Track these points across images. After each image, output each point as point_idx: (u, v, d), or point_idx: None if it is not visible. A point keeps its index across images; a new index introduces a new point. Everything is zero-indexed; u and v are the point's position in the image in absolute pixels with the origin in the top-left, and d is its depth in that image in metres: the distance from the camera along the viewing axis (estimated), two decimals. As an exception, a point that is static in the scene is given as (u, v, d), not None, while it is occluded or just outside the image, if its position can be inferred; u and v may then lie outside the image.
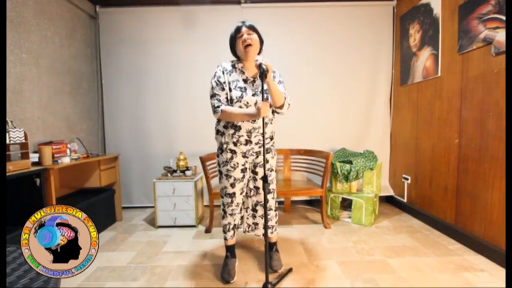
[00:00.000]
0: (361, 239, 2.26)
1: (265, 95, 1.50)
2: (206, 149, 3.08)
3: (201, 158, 2.47)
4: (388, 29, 3.12)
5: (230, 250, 1.83)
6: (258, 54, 1.62)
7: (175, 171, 2.71)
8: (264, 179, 1.46)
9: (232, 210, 1.74)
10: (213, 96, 1.59)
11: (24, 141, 1.87)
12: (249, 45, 1.53)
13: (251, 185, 1.77)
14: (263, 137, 1.45)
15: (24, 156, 1.87)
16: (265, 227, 1.50)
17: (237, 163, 1.66)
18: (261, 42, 1.61)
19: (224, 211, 1.76)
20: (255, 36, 1.56)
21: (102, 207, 2.59)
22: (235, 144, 1.63)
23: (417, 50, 2.67)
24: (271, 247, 1.89)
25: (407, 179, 2.88)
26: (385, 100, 3.19)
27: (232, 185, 1.68)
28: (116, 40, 3.12)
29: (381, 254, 1.99)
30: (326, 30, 3.10)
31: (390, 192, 3.20)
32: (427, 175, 2.57)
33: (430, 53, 2.47)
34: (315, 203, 3.26)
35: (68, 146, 2.37)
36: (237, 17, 3.05)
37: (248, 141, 1.62)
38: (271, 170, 1.74)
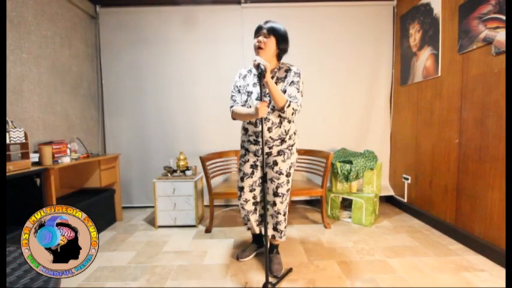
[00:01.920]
0: (361, 239, 2.26)
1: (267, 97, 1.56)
2: (206, 148, 3.09)
3: (201, 157, 2.47)
4: (388, 28, 3.12)
5: (253, 236, 1.97)
6: (279, 60, 1.69)
7: (175, 171, 2.71)
8: (263, 178, 1.47)
9: (241, 204, 1.83)
10: (231, 97, 1.75)
11: (24, 141, 1.87)
12: (260, 48, 1.55)
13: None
14: (262, 138, 1.45)
15: (25, 156, 1.87)
16: (265, 226, 1.50)
17: (248, 159, 1.77)
18: (281, 47, 1.63)
19: (239, 203, 1.86)
20: (271, 39, 1.58)
21: (102, 207, 2.59)
22: (248, 142, 1.74)
23: (417, 49, 2.67)
24: (272, 249, 1.89)
25: (407, 179, 2.88)
26: (385, 100, 3.19)
27: (242, 179, 1.79)
28: (116, 40, 3.12)
29: (381, 254, 1.99)
30: (326, 30, 3.10)
31: (390, 192, 3.20)
32: (427, 175, 2.57)
33: (430, 53, 2.47)
34: (315, 203, 3.26)
35: (68, 145, 2.37)
36: (237, 17, 3.06)
37: (256, 142, 1.68)
38: (280, 173, 1.71)
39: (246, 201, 1.80)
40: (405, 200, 2.94)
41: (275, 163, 1.70)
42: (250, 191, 1.78)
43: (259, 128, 1.62)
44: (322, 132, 3.17)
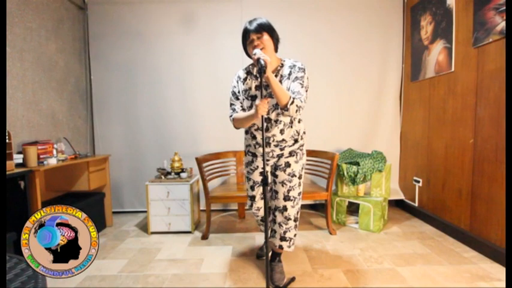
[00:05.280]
0: (369, 246, 2.26)
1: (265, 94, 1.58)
2: (203, 149, 3.09)
3: (197, 159, 2.47)
4: (397, 20, 3.12)
5: None
6: (275, 51, 1.66)
7: (169, 173, 2.70)
8: (264, 181, 1.44)
9: (254, 212, 1.89)
10: (230, 105, 1.74)
11: (7, 141, 1.86)
12: (259, 47, 1.53)
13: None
14: (262, 136, 1.43)
15: (8, 157, 1.87)
16: (266, 233, 1.50)
17: (257, 166, 1.77)
18: (275, 38, 1.61)
19: (252, 212, 1.92)
20: (265, 37, 1.55)
21: (91, 211, 2.58)
22: (255, 146, 1.73)
23: (429, 43, 2.67)
24: (274, 257, 1.87)
25: (418, 182, 2.88)
26: (395, 97, 3.19)
27: (252, 188, 1.82)
28: (106, 33, 3.12)
29: (390, 262, 1.99)
30: (331, 22, 3.10)
31: (400, 195, 3.20)
32: (439, 177, 2.57)
33: (443, 47, 2.47)
34: (319, 208, 3.26)
35: (55, 146, 2.37)
36: (237, 8, 3.05)
37: (267, 144, 1.68)
38: (293, 175, 1.71)
39: (259, 209, 1.86)
40: (416, 204, 2.94)
41: (287, 165, 1.71)
42: (262, 198, 1.80)
43: (271, 133, 1.63)
44: (327, 131, 3.17)
